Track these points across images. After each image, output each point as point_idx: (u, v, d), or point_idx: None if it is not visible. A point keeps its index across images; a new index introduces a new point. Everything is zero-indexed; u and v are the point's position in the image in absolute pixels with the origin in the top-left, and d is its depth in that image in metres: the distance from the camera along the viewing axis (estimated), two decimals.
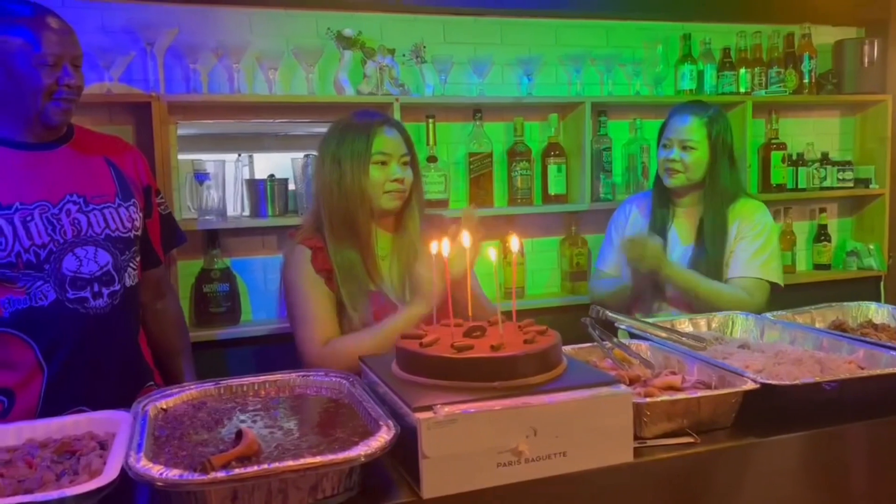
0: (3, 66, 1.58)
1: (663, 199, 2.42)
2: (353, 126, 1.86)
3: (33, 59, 1.57)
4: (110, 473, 0.99)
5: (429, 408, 1.08)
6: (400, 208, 1.89)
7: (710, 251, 2.29)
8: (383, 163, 1.83)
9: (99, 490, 0.96)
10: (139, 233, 1.81)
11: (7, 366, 1.63)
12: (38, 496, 0.95)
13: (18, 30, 1.57)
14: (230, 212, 2.60)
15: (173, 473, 0.96)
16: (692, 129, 2.30)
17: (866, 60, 3.29)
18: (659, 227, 2.38)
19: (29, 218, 1.62)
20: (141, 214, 1.82)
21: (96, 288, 1.67)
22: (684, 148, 2.30)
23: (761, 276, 2.25)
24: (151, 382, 1.85)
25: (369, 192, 1.82)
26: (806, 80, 3.24)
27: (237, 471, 0.97)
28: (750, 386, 1.27)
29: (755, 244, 2.28)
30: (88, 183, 1.72)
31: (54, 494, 0.96)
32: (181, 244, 2.06)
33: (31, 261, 1.61)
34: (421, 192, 1.97)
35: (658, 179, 2.42)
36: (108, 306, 1.70)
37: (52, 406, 1.63)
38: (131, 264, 1.76)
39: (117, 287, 1.71)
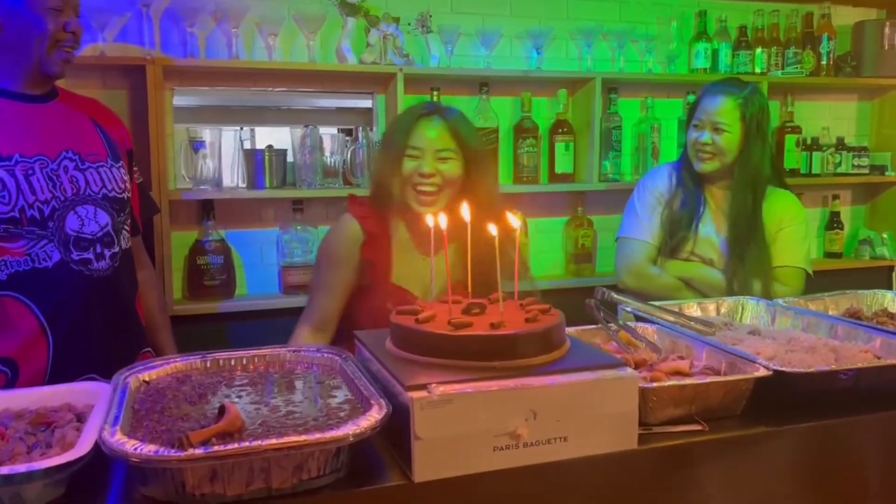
0: (10, 14, 1.56)
1: (695, 183, 2.25)
2: (400, 116, 1.84)
3: (40, 5, 1.56)
4: (83, 447, 0.94)
5: (423, 387, 1.03)
6: (439, 208, 1.70)
7: (745, 239, 2.17)
8: (413, 157, 1.73)
9: (69, 464, 0.91)
10: (130, 195, 1.77)
11: (7, 332, 1.56)
12: (5, 469, 0.90)
13: None
14: (226, 182, 2.53)
15: (148, 449, 0.90)
16: (725, 110, 2.15)
17: (887, 43, 3.19)
18: (690, 212, 2.22)
19: (31, 171, 1.58)
20: (128, 178, 1.78)
21: (98, 249, 1.64)
22: (716, 130, 2.15)
23: (803, 265, 2.21)
24: (148, 349, 1.81)
25: (398, 188, 1.75)
26: (824, 62, 3.14)
27: (216, 448, 0.91)
28: (762, 373, 1.22)
29: (797, 234, 2.24)
30: (80, 141, 1.68)
31: (23, 468, 0.90)
32: (155, 213, 2.04)
33: (35, 217, 1.56)
34: (482, 193, 1.73)
35: (688, 162, 2.25)
36: (110, 268, 1.67)
37: (60, 375, 1.56)
38: (125, 226, 1.74)
39: (116, 249, 1.69)
